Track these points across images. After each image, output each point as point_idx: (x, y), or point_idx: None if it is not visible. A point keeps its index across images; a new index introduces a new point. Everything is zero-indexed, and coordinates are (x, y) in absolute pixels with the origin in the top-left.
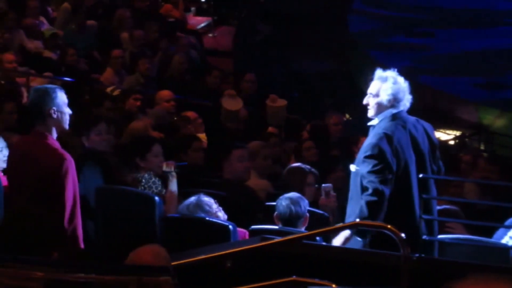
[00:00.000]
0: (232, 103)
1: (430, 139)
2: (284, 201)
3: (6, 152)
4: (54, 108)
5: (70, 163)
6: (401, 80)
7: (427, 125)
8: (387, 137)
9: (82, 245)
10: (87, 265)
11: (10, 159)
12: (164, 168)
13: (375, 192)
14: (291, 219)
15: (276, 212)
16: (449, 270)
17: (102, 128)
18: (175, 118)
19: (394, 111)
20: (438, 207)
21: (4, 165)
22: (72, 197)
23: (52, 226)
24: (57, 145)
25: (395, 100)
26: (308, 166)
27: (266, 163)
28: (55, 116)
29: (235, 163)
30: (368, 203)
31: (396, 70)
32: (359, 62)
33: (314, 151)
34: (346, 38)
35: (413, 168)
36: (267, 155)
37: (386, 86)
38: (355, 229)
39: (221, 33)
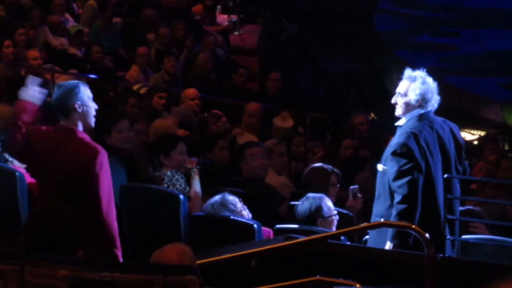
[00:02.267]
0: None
1: (456, 139)
2: (305, 201)
3: None
4: (79, 102)
5: (104, 156)
6: (429, 80)
7: (454, 126)
8: (414, 136)
9: (118, 240)
10: (112, 263)
11: (34, 156)
12: (186, 165)
13: (405, 199)
14: (309, 218)
15: (297, 213)
16: (474, 271)
17: (124, 126)
18: (205, 115)
19: (421, 111)
20: (461, 208)
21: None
22: (107, 191)
23: (80, 224)
24: (88, 138)
25: (423, 100)
26: (330, 166)
27: (282, 160)
28: (80, 110)
29: (250, 161)
30: (400, 213)
31: (424, 70)
32: (385, 62)
33: (351, 150)
34: (372, 38)
35: (439, 168)
36: (282, 151)
37: (414, 86)
38: (379, 228)
39: (247, 31)
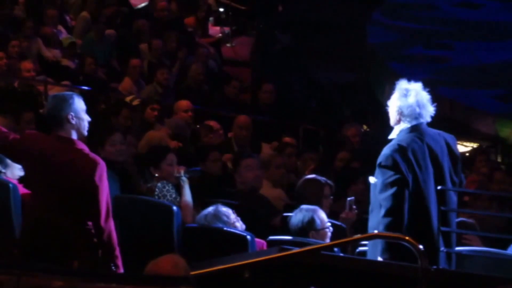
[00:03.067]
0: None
1: (452, 151)
2: (298, 213)
3: None
4: (72, 113)
5: (103, 168)
6: (422, 92)
7: (450, 137)
8: (400, 148)
9: (118, 250)
10: (107, 274)
11: (28, 158)
12: (175, 173)
13: (389, 211)
14: (302, 230)
15: (290, 224)
16: (467, 283)
17: (117, 139)
18: (197, 126)
19: (413, 123)
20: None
21: (21, 173)
22: (106, 201)
23: (74, 235)
24: (87, 150)
25: (413, 113)
26: (323, 178)
27: (279, 172)
28: (73, 121)
29: (244, 172)
30: (386, 226)
31: (414, 82)
32: (377, 74)
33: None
34: (365, 49)
35: (430, 180)
36: (280, 164)
37: (405, 99)
38: (372, 240)
39: (239, 43)
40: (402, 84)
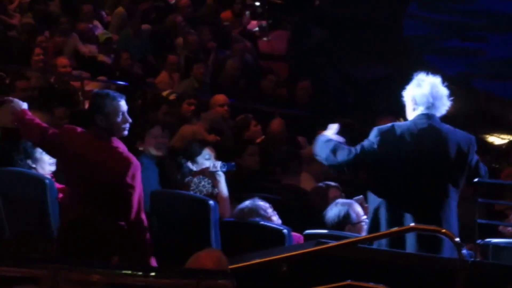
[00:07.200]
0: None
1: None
2: (333, 208)
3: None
4: (109, 114)
5: (137, 168)
6: (438, 85)
7: (464, 139)
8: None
9: (149, 249)
10: (146, 268)
11: (64, 154)
12: (211, 168)
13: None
14: (338, 224)
15: (326, 219)
16: (505, 275)
17: (157, 132)
18: (243, 116)
19: (425, 112)
20: None
21: (53, 168)
22: (138, 201)
23: (113, 232)
24: (122, 147)
25: (426, 101)
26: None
27: (322, 168)
28: (108, 122)
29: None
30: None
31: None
32: (413, 67)
33: None
34: (400, 43)
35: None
36: None
37: (418, 88)
38: (409, 232)
39: (275, 37)
40: (419, 76)
